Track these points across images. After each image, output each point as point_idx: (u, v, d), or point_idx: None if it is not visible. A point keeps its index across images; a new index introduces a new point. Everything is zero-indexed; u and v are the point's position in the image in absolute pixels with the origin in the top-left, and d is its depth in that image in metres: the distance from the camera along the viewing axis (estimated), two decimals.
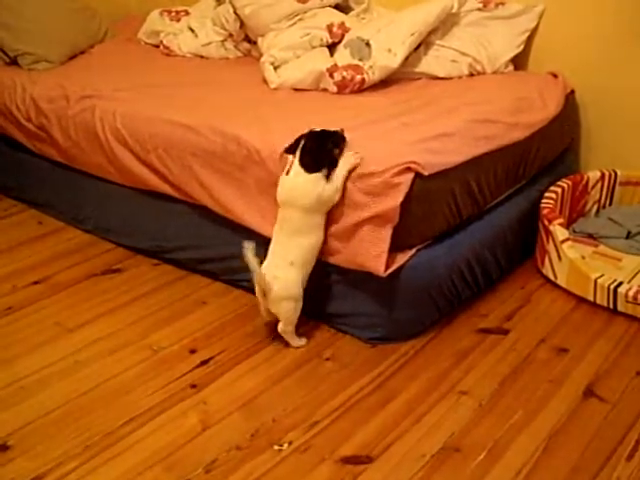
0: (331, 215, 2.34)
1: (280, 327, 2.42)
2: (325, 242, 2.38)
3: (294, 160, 2.31)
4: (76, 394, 2.25)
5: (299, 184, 2.30)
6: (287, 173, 2.33)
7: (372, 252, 2.27)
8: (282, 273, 2.33)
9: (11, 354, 2.45)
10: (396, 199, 2.20)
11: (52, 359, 2.42)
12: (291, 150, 2.33)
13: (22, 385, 2.30)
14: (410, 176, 2.21)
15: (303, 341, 2.47)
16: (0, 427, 2.12)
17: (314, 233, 2.34)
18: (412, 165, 2.22)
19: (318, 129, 2.34)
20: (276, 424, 2.12)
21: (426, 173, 2.24)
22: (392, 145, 2.36)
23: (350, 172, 2.27)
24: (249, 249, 2.28)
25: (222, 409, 2.18)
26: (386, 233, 2.24)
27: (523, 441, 2.04)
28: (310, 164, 2.28)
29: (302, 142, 2.31)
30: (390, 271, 2.28)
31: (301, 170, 2.29)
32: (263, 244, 2.44)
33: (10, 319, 2.65)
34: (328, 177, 2.28)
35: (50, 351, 2.46)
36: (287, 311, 2.39)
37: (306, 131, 2.34)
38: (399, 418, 2.14)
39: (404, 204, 2.21)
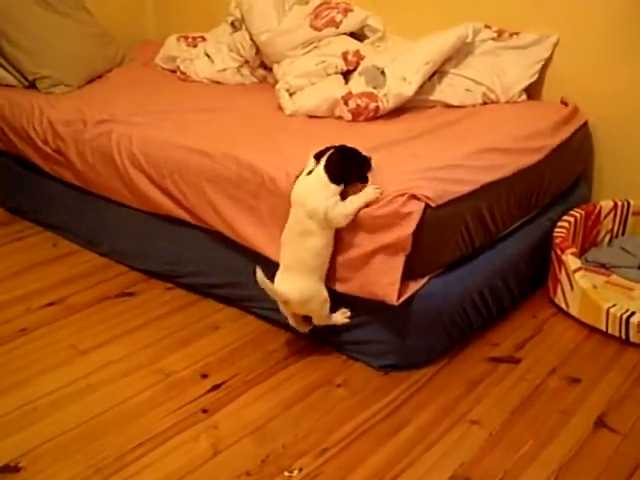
0: (342, 244, 2.35)
1: (315, 322, 2.43)
2: (336, 270, 2.38)
3: (317, 166, 2.32)
4: (88, 417, 2.26)
5: (314, 186, 2.30)
6: (308, 174, 2.34)
7: (384, 281, 2.27)
8: (294, 283, 2.32)
9: (24, 375, 2.46)
10: (408, 228, 2.20)
11: (65, 381, 2.43)
12: (319, 156, 2.34)
13: (35, 407, 2.31)
14: (421, 205, 2.22)
15: (344, 313, 2.43)
16: (12, 449, 2.13)
17: (321, 236, 2.30)
18: (419, 194, 2.23)
19: (350, 146, 2.37)
20: (286, 450, 2.12)
21: (434, 204, 2.24)
22: (402, 174, 2.36)
23: (367, 205, 2.28)
24: (259, 272, 2.28)
25: (233, 434, 2.18)
26: (398, 262, 2.24)
27: (533, 472, 2.04)
28: (332, 172, 2.28)
29: (331, 151, 2.33)
30: (402, 300, 2.28)
31: (322, 174, 2.28)
32: (276, 269, 2.46)
33: (24, 340, 2.66)
34: (342, 196, 2.29)
35: (63, 373, 2.47)
36: (314, 311, 2.38)
37: (338, 145, 2.36)
38: (409, 446, 2.13)
39: (416, 233, 2.22)
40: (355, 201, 2.28)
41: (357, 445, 2.14)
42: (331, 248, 2.34)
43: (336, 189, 2.29)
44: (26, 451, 2.12)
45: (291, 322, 2.48)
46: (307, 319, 2.47)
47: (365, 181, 2.33)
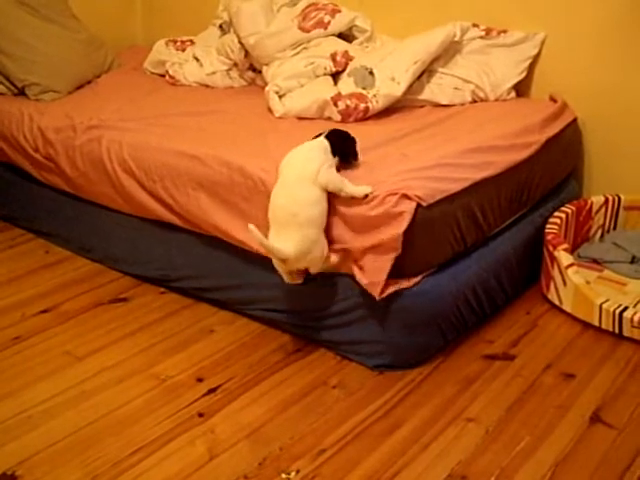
0: (334, 243, 2.36)
1: (312, 271, 2.40)
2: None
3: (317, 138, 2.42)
4: (84, 424, 2.25)
5: (315, 147, 2.38)
6: None
7: (372, 280, 2.29)
8: (289, 237, 2.28)
9: (19, 383, 2.45)
10: (399, 228, 2.22)
11: (59, 388, 2.42)
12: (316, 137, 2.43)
13: (30, 415, 2.30)
14: (412, 205, 2.23)
15: (335, 257, 2.40)
16: (8, 457, 2.12)
17: (313, 189, 2.30)
18: (410, 194, 2.24)
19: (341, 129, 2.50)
20: (283, 452, 2.12)
21: (425, 203, 2.26)
22: (393, 174, 2.37)
23: (351, 198, 2.30)
24: (254, 230, 2.23)
25: (229, 438, 2.18)
26: (387, 263, 2.26)
27: (530, 468, 2.04)
28: (332, 142, 2.39)
29: (329, 130, 2.46)
30: (385, 294, 2.29)
31: (324, 141, 2.39)
32: (270, 270, 2.47)
33: (18, 348, 2.65)
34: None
35: (58, 380, 2.46)
36: (314, 260, 2.34)
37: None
38: (406, 446, 2.14)
39: (408, 232, 2.23)
40: (346, 183, 2.32)
41: (354, 446, 2.14)
42: (325, 203, 2.32)
43: (332, 159, 2.36)
44: (22, 459, 2.11)
45: (285, 278, 2.44)
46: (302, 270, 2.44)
47: (356, 158, 2.46)
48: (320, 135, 2.44)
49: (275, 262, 2.39)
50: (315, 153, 2.36)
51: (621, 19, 2.95)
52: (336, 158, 2.40)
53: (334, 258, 2.39)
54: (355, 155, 2.47)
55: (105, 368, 2.52)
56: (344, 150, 2.44)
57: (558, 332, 2.67)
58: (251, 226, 2.22)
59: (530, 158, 2.72)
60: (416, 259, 2.34)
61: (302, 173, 2.32)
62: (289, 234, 2.28)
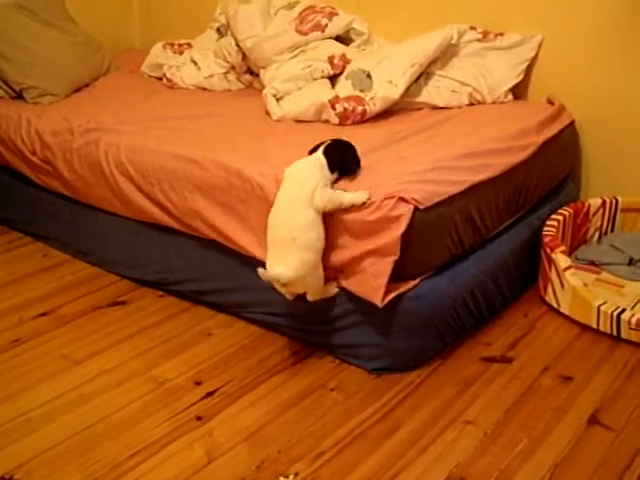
0: (333, 247, 2.36)
1: (309, 298, 2.40)
2: (327, 271, 2.39)
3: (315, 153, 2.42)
4: (82, 427, 2.25)
5: (312, 163, 2.37)
6: None
7: (372, 284, 2.29)
8: (287, 261, 2.28)
9: (18, 387, 2.45)
10: (397, 231, 2.22)
11: (58, 392, 2.42)
12: (312, 152, 2.43)
13: (29, 418, 2.30)
14: (410, 208, 2.23)
15: (333, 284, 2.43)
16: (7, 460, 2.12)
17: (309, 211, 2.29)
18: (407, 197, 2.24)
19: (344, 139, 2.49)
20: (282, 455, 2.12)
21: (422, 206, 2.26)
22: (390, 177, 2.38)
23: (352, 207, 2.29)
24: (261, 270, 2.27)
25: (228, 441, 2.18)
26: (387, 265, 2.26)
27: (528, 470, 2.04)
28: (329, 158, 2.37)
29: (328, 142, 2.43)
30: (387, 301, 2.29)
31: (321, 157, 2.37)
32: None
33: (17, 351, 2.65)
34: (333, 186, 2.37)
35: (56, 384, 2.46)
36: (311, 285, 2.35)
37: (332, 138, 2.48)
38: (404, 448, 2.14)
39: (406, 236, 2.23)
40: (343, 195, 2.31)
41: (352, 449, 2.14)
42: (321, 226, 2.32)
43: (329, 176, 2.35)
44: (21, 463, 2.11)
45: (288, 297, 2.45)
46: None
47: (356, 172, 2.43)
48: (319, 147, 2.42)
49: (276, 285, 2.39)
50: (310, 171, 2.35)
51: (618, 22, 2.95)
52: (334, 174, 2.38)
53: (333, 289, 2.42)
54: (357, 164, 2.45)
55: (103, 371, 2.52)
56: (345, 163, 2.42)
57: (556, 334, 2.68)
58: (261, 270, 2.26)
59: (527, 160, 2.73)
60: (414, 262, 2.34)
61: (298, 194, 2.31)
62: (287, 258, 2.29)
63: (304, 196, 2.29)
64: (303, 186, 2.31)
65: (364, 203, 2.28)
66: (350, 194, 2.31)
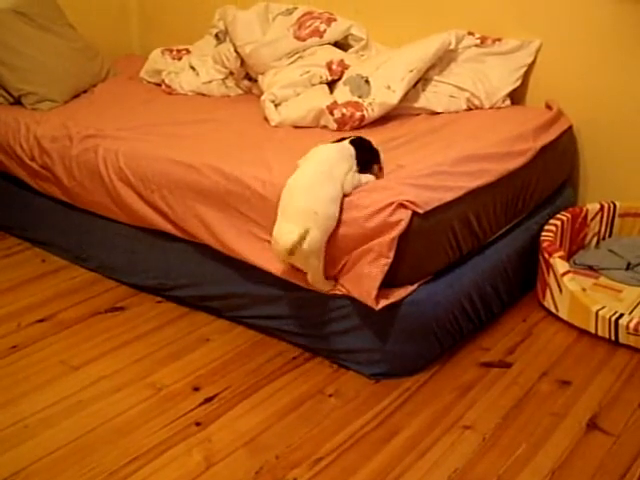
0: (331, 251, 2.35)
1: (309, 279, 2.38)
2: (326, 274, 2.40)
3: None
4: (80, 433, 2.25)
5: (341, 145, 2.44)
6: None
7: (366, 287, 2.29)
8: (307, 225, 2.25)
9: (15, 393, 2.45)
10: (390, 235, 2.23)
11: (56, 398, 2.42)
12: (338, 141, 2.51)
13: (26, 424, 2.29)
14: (408, 213, 2.24)
15: (331, 285, 2.42)
16: (5, 466, 2.12)
17: (335, 187, 2.32)
18: (406, 202, 2.25)
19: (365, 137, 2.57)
20: (280, 461, 2.12)
21: (421, 211, 2.27)
22: (388, 183, 2.39)
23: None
24: None
25: (226, 447, 2.18)
26: (379, 269, 2.26)
27: (527, 475, 2.04)
28: (358, 148, 2.43)
29: (351, 137, 2.51)
30: (384, 305, 2.30)
31: (349, 146, 2.43)
32: (266, 279, 2.47)
33: (15, 357, 2.65)
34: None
35: (54, 390, 2.46)
36: (313, 266, 2.33)
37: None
38: (403, 454, 2.14)
39: (403, 241, 2.24)
40: (362, 180, 2.40)
41: (350, 454, 2.14)
42: (339, 205, 2.33)
43: (353, 162, 2.40)
44: (18, 469, 2.11)
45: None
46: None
47: (374, 170, 2.47)
48: (343, 139, 2.48)
49: (279, 252, 2.35)
50: (344, 154, 2.41)
51: (616, 28, 2.96)
52: (357, 167, 2.42)
53: (329, 285, 2.41)
54: (379, 164, 2.50)
55: (102, 377, 2.52)
56: (368, 159, 2.46)
57: (554, 339, 2.68)
58: None
59: (525, 165, 2.73)
60: (412, 267, 2.34)
61: (331, 171, 2.33)
62: (304, 224, 2.25)
63: (337, 174, 2.33)
64: (338, 165, 2.36)
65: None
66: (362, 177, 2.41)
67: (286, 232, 2.26)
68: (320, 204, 2.28)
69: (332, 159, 2.38)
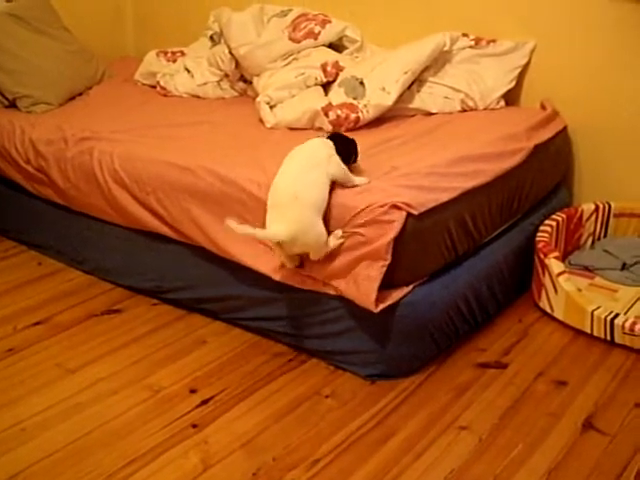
0: (327, 255, 2.36)
1: (312, 257, 2.37)
2: (322, 277, 2.40)
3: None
4: (77, 436, 2.25)
5: (319, 139, 2.49)
6: None
7: (364, 289, 2.29)
8: (287, 218, 2.28)
9: (12, 396, 2.45)
10: (387, 237, 2.23)
11: (53, 401, 2.42)
12: None
13: (23, 427, 2.29)
14: (402, 214, 2.24)
15: (336, 235, 2.35)
16: (2, 470, 2.11)
17: (322, 173, 2.35)
18: (400, 204, 2.25)
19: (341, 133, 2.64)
20: (277, 463, 2.12)
21: (415, 212, 2.27)
22: (384, 184, 2.39)
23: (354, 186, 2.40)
24: (233, 224, 2.24)
25: (223, 449, 2.18)
26: (378, 271, 2.26)
27: (523, 476, 2.05)
28: (336, 141, 2.46)
29: (328, 134, 2.56)
30: (382, 307, 2.30)
31: (328, 141, 2.47)
32: (262, 281, 2.48)
33: (11, 360, 2.65)
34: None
35: (51, 393, 2.46)
36: (310, 245, 2.32)
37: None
38: (400, 455, 2.14)
39: (399, 242, 2.24)
40: (351, 175, 2.43)
41: (347, 456, 2.15)
42: (327, 192, 2.35)
43: (334, 153, 2.43)
44: (16, 472, 2.10)
45: (282, 261, 2.44)
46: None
47: (356, 160, 2.51)
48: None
49: (273, 247, 2.39)
50: (325, 145, 2.44)
51: (610, 28, 2.97)
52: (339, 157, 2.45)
53: (333, 242, 2.34)
54: (355, 157, 2.52)
55: (98, 380, 2.52)
56: (347, 151, 2.48)
57: (550, 340, 2.68)
58: (229, 221, 2.22)
59: (520, 166, 2.74)
60: (407, 269, 2.35)
61: (312, 160, 2.38)
62: (287, 216, 2.28)
63: (318, 160, 2.38)
64: (316, 153, 2.41)
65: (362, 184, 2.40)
66: (357, 177, 2.41)
67: (274, 232, 2.30)
68: (302, 187, 2.30)
69: (314, 149, 2.42)
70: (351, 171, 2.45)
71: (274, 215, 2.32)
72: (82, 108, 3.54)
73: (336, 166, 2.38)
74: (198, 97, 3.63)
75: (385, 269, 2.26)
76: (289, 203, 2.29)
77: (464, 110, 3.15)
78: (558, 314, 2.74)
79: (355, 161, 2.51)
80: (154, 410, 2.36)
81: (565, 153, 3.14)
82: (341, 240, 2.34)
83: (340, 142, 2.47)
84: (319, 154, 2.39)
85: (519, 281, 2.92)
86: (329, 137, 2.50)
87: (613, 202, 3.07)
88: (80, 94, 3.75)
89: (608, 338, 2.61)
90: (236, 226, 2.23)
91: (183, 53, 3.86)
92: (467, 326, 2.66)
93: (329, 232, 2.34)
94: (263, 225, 2.34)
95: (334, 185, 2.40)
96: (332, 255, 2.35)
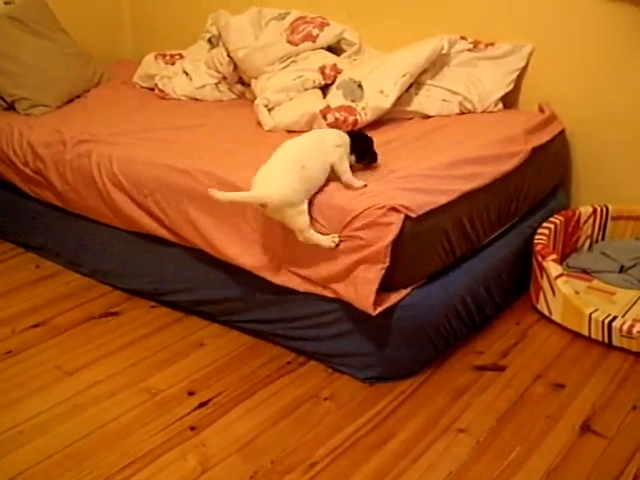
0: (325, 256, 2.36)
1: (298, 237, 2.36)
2: (320, 279, 2.41)
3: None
4: (75, 438, 2.25)
5: (337, 131, 2.56)
6: None
7: (362, 292, 2.29)
8: (278, 183, 2.31)
9: (10, 398, 2.45)
10: (386, 240, 2.23)
11: (51, 403, 2.42)
12: None
13: (21, 430, 2.30)
14: (400, 217, 2.24)
15: (333, 238, 2.34)
16: (0, 472, 2.12)
17: (324, 158, 2.41)
18: (398, 206, 2.25)
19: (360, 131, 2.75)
20: (275, 466, 2.12)
21: (414, 215, 2.27)
22: (381, 187, 2.39)
23: (347, 185, 2.41)
24: (216, 193, 2.30)
25: (221, 451, 2.18)
26: (377, 273, 2.26)
27: (521, 478, 2.05)
28: (353, 138, 2.52)
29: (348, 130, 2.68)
30: (380, 310, 2.30)
31: (345, 135, 2.52)
32: (260, 284, 2.48)
33: (10, 363, 2.65)
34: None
35: (49, 395, 2.46)
36: (290, 218, 2.32)
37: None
38: (397, 457, 2.14)
39: (397, 245, 2.24)
40: (349, 171, 2.44)
41: (345, 458, 2.15)
42: (324, 178, 2.41)
43: (348, 154, 2.48)
44: (13, 475, 2.10)
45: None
46: None
47: (375, 159, 2.57)
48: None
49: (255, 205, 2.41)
50: (338, 136, 2.49)
51: (608, 31, 2.97)
52: (352, 156, 2.49)
53: (326, 242, 2.33)
54: (374, 156, 2.56)
55: (96, 382, 2.52)
56: (363, 150, 2.53)
57: (548, 342, 2.69)
58: (212, 191, 2.29)
59: (518, 168, 2.74)
60: (406, 271, 2.35)
61: (322, 140, 2.47)
62: (284, 180, 2.31)
63: (326, 145, 2.44)
64: (329, 137, 2.47)
65: (361, 187, 2.40)
66: (355, 179, 2.43)
67: (263, 193, 2.32)
68: (310, 161, 2.37)
69: (326, 136, 2.51)
70: (353, 171, 2.46)
71: (268, 175, 2.36)
72: (80, 111, 3.54)
73: (338, 156, 2.42)
74: (196, 100, 3.63)
75: (383, 272, 2.26)
76: (292, 169, 2.33)
77: (462, 113, 3.15)
78: (556, 317, 2.75)
79: (372, 161, 2.56)
80: (152, 412, 2.36)
81: (563, 156, 3.14)
82: (333, 243, 2.33)
83: (357, 139, 2.53)
84: (330, 139, 2.45)
85: (517, 284, 2.92)
86: (348, 132, 2.56)
87: (611, 205, 3.08)
88: (78, 97, 3.75)
89: (606, 341, 2.62)
90: (219, 194, 2.29)
91: (181, 56, 3.86)
92: (465, 329, 2.66)
93: (326, 234, 2.34)
94: (260, 225, 2.35)
95: (329, 182, 2.43)
96: (330, 258, 2.35)
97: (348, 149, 2.48)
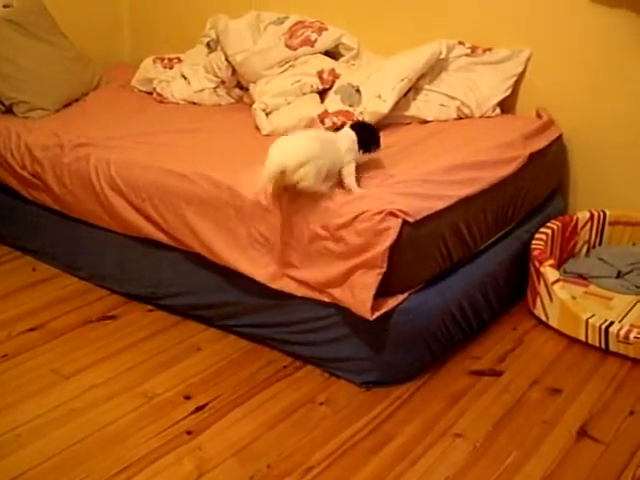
0: (323, 261, 2.36)
1: (303, 185, 2.36)
2: (318, 284, 2.41)
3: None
4: (72, 442, 2.25)
5: (344, 132, 2.57)
6: None
7: (360, 297, 2.29)
8: (294, 145, 2.39)
9: (7, 402, 2.44)
10: (383, 245, 2.23)
11: (48, 407, 2.41)
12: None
13: (18, 433, 2.29)
14: (398, 222, 2.24)
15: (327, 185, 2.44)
16: None
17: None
18: (396, 211, 2.25)
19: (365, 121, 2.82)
20: (271, 470, 2.12)
21: (411, 220, 2.27)
22: (378, 192, 2.40)
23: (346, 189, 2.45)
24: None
25: (218, 455, 2.18)
26: (374, 278, 2.26)
27: None
28: (358, 131, 2.55)
29: (350, 123, 2.68)
30: (378, 315, 2.30)
31: (351, 132, 2.55)
32: (257, 288, 2.48)
33: (6, 366, 2.64)
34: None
35: (46, 399, 2.46)
36: (308, 173, 2.33)
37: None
38: (394, 462, 2.14)
39: (394, 250, 2.24)
40: (352, 178, 2.47)
41: (341, 463, 2.15)
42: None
43: (357, 150, 2.51)
44: (11, 478, 2.10)
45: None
46: None
47: (379, 146, 2.61)
48: (343, 126, 2.60)
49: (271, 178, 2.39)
50: (350, 139, 2.52)
51: (606, 37, 2.97)
52: (360, 151, 2.53)
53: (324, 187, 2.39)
54: (378, 143, 2.60)
55: (93, 386, 2.52)
56: (368, 140, 2.57)
57: (545, 347, 2.69)
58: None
59: (515, 173, 2.74)
60: (403, 276, 2.35)
61: (334, 141, 2.49)
62: (298, 141, 2.39)
63: (336, 145, 2.47)
64: (338, 142, 2.50)
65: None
66: (355, 185, 2.46)
67: (282, 154, 2.37)
68: (327, 144, 2.44)
69: (336, 135, 2.56)
70: (357, 161, 2.51)
71: (285, 141, 2.42)
72: (79, 114, 3.54)
73: (347, 160, 2.46)
74: (194, 104, 3.63)
75: (381, 277, 2.26)
76: (306, 136, 2.44)
77: (460, 118, 3.16)
78: (553, 322, 2.75)
79: (376, 150, 2.59)
80: (149, 416, 2.36)
81: (560, 161, 3.14)
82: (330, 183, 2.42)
83: (362, 132, 2.56)
84: (340, 145, 2.48)
85: (514, 289, 2.93)
86: (352, 126, 2.59)
87: (608, 210, 3.08)
88: (77, 100, 3.75)
89: (603, 346, 2.62)
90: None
91: (180, 60, 3.86)
92: (462, 334, 2.66)
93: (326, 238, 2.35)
94: (258, 229, 2.35)
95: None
96: (328, 263, 2.35)
97: (356, 147, 2.51)
